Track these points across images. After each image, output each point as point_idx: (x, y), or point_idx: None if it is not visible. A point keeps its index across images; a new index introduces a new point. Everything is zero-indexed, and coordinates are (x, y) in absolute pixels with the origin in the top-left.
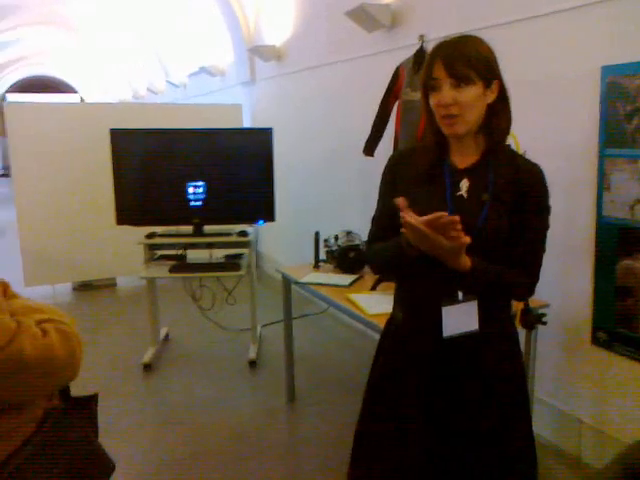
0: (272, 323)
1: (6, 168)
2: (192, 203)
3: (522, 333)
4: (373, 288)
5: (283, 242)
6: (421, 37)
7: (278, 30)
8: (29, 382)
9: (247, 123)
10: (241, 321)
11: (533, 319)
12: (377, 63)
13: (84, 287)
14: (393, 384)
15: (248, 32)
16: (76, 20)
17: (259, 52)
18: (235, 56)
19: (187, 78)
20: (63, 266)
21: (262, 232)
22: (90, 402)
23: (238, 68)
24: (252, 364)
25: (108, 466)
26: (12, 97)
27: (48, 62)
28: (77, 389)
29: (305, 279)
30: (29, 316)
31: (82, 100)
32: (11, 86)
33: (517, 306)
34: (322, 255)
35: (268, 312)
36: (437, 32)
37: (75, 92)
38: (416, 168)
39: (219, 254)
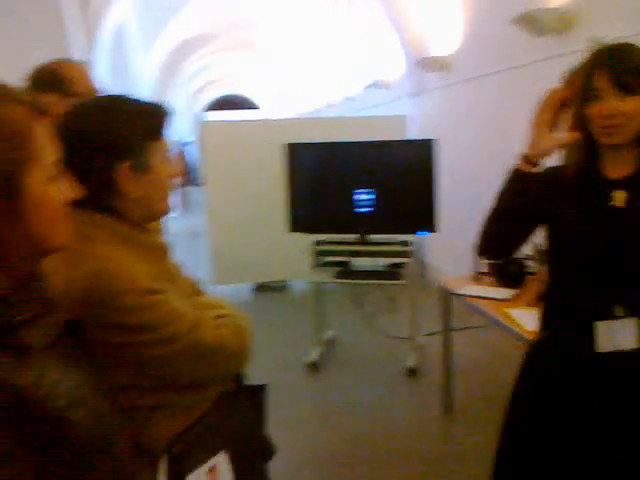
0: (432, 333)
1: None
2: (359, 213)
3: None
4: (533, 304)
5: (450, 253)
6: (593, 40)
7: (444, 41)
8: (205, 366)
9: (414, 134)
10: (402, 329)
11: None
12: (546, 70)
13: (262, 288)
14: (541, 404)
15: (415, 44)
16: (261, 43)
17: (427, 63)
18: (402, 68)
19: (358, 91)
20: (245, 268)
21: (429, 242)
22: (259, 391)
23: (405, 80)
24: (411, 372)
25: (269, 451)
26: (208, 115)
27: (236, 82)
28: (248, 379)
29: (463, 291)
30: (210, 311)
31: (270, 116)
32: (207, 105)
33: None
34: (483, 268)
35: (430, 322)
36: (613, 34)
37: (258, 108)
38: (565, 177)
39: (384, 262)
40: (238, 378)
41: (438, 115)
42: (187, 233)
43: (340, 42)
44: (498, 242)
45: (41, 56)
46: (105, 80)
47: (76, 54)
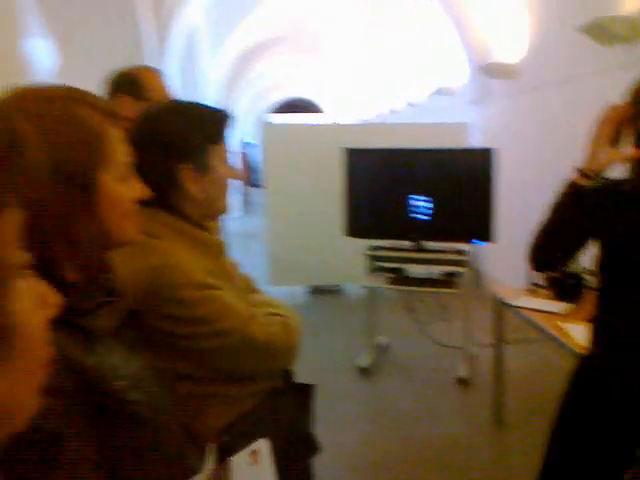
0: (485, 345)
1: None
2: (415, 219)
3: None
4: (589, 319)
5: (506, 263)
6: None
7: (510, 48)
8: (254, 361)
9: (476, 142)
10: (455, 338)
11: None
12: (613, 80)
13: (317, 291)
14: (589, 421)
15: (479, 50)
16: (326, 48)
17: (491, 69)
18: (466, 75)
19: (422, 97)
20: (301, 270)
21: (485, 251)
22: (307, 390)
23: (468, 87)
24: (461, 382)
25: (313, 448)
26: (272, 118)
27: (300, 86)
28: (298, 378)
29: (517, 302)
30: (262, 308)
31: (332, 120)
32: (272, 108)
33: None
34: (539, 280)
35: (483, 332)
36: None
37: (322, 112)
38: (623, 192)
39: (439, 270)
40: (287, 375)
41: (500, 123)
42: (247, 234)
43: (404, 47)
44: (548, 254)
45: (116, 59)
46: (175, 81)
47: (149, 57)
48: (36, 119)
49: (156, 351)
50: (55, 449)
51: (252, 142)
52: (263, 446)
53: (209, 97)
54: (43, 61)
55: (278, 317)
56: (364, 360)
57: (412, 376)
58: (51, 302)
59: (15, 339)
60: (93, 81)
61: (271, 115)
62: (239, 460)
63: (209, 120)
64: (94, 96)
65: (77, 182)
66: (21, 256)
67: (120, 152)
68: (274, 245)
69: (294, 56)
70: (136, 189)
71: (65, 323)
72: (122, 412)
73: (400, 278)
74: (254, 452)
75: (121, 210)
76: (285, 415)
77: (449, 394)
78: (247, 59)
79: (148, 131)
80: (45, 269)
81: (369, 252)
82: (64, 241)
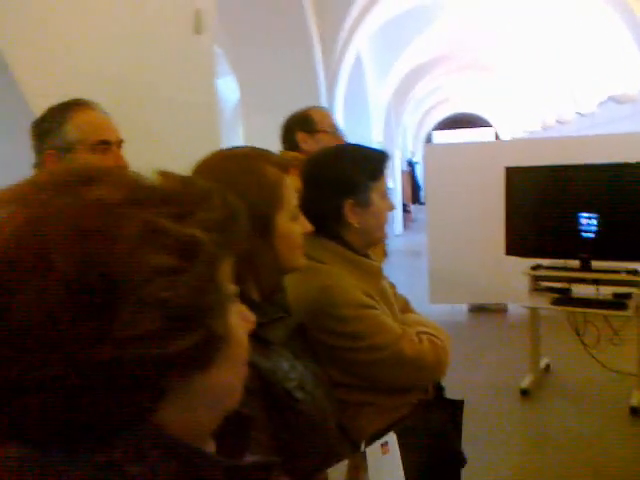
0: None
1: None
2: (581, 238)
3: None
4: None
5: None
6: None
7: None
8: (403, 375)
9: None
10: (626, 363)
11: None
12: None
13: (478, 309)
14: None
15: None
16: (492, 62)
17: None
18: None
19: (594, 107)
20: (461, 288)
21: None
22: (457, 405)
23: None
24: (634, 411)
25: (460, 461)
26: (436, 134)
27: (466, 101)
28: (453, 394)
29: None
30: (414, 327)
31: (496, 135)
32: (437, 124)
33: None
34: None
35: None
36: None
37: (490, 126)
38: None
39: (608, 291)
40: (439, 390)
41: None
42: (409, 251)
43: (572, 57)
44: None
45: (294, 92)
46: (342, 107)
47: (321, 84)
48: (223, 175)
49: (317, 360)
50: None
51: (416, 161)
52: (391, 439)
53: (375, 119)
54: (229, 97)
55: (428, 335)
56: (525, 381)
57: (577, 401)
58: (249, 319)
59: (231, 345)
60: (270, 112)
61: (435, 132)
62: (372, 450)
63: (370, 160)
64: (270, 152)
65: (259, 223)
66: (233, 288)
67: (292, 197)
68: (435, 263)
69: (458, 73)
70: (303, 225)
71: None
72: (290, 409)
73: (565, 298)
74: (384, 444)
75: (292, 243)
76: (435, 427)
77: (619, 423)
78: (411, 79)
79: (318, 171)
80: (240, 294)
81: (532, 272)
82: (250, 270)
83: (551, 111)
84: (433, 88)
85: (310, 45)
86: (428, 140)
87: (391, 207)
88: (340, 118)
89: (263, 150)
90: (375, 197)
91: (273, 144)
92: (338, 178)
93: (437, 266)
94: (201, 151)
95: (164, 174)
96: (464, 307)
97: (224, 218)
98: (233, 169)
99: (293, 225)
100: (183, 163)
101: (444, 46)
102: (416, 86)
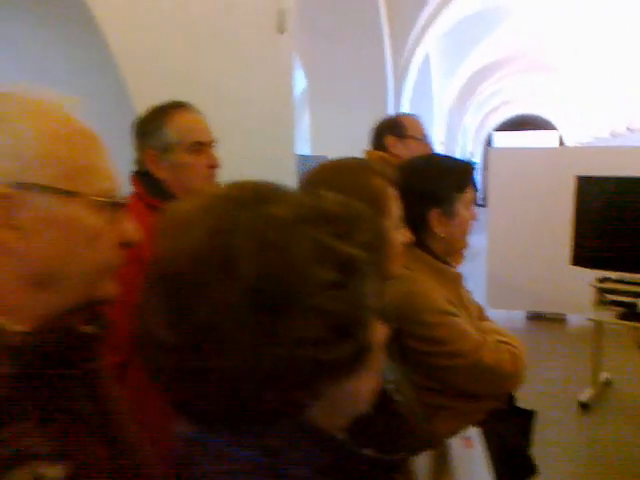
0: None
1: (484, 199)
2: None
3: None
4: None
5: None
6: None
7: None
8: (481, 382)
9: None
10: None
11: None
12: None
13: (536, 317)
14: None
15: None
16: (558, 63)
17: None
18: None
19: None
20: (521, 295)
21: None
22: (529, 415)
23: None
24: None
25: (530, 470)
26: (497, 135)
27: (529, 102)
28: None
29: None
30: (492, 336)
31: (561, 138)
32: (498, 125)
33: None
34: None
35: None
36: None
37: (554, 129)
38: None
39: None
40: (511, 399)
41: None
42: (468, 253)
43: None
44: None
45: (362, 87)
46: (408, 106)
47: (389, 82)
48: (332, 186)
49: (403, 363)
50: None
51: (476, 162)
52: (474, 433)
53: (439, 119)
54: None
55: (506, 345)
56: (585, 394)
57: (637, 417)
58: (383, 331)
59: (373, 355)
60: (337, 105)
61: (496, 133)
62: (455, 443)
63: (456, 171)
64: (375, 163)
65: None
66: (378, 302)
67: (396, 207)
68: (495, 267)
69: (522, 74)
70: (404, 235)
71: None
72: (388, 409)
73: (632, 313)
74: (467, 438)
75: (396, 252)
76: (508, 434)
77: None
78: (475, 81)
79: (407, 181)
80: None
81: (599, 284)
82: None
83: (621, 117)
84: (496, 89)
85: (381, 43)
86: (488, 141)
87: (475, 217)
88: None
89: (368, 161)
90: (460, 207)
91: (338, 136)
92: (425, 188)
93: (497, 271)
94: (276, 145)
95: (322, 195)
96: (522, 314)
97: (375, 238)
98: (341, 180)
99: (397, 234)
100: (258, 157)
101: (510, 47)
102: (479, 87)
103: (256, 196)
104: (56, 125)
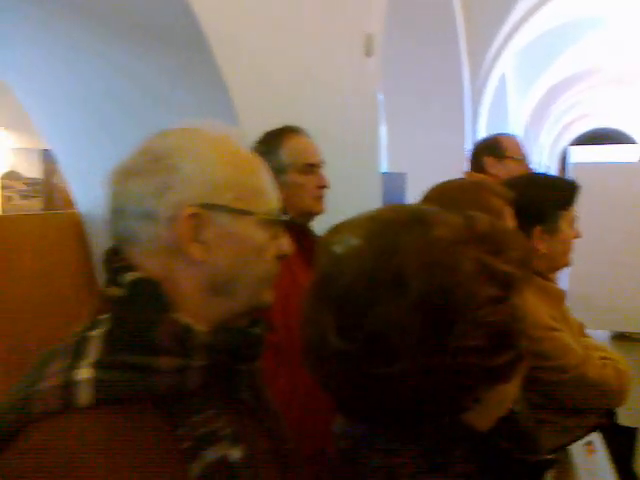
0: None
1: None
2: None
3: None
4: None
5: None
6: None
7: None
8: (586, 397)
9: None
10: None
11: None
12: None
13: (621, 337)
14: None
15: None
16: (636, 75)
17: None
18: None
19: None
20: (605, 314)
21: None
22: (632, 432)
23: None
24: None
25: None
26: (574, 150)
27: (607, 116)
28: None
29: None
30: (595, 352)
31: None
32: (574, 139)
33: None
34: None
35: None
36: None
37: (634, 143)
38: None
39: None
40: (613, 415)
41: None
42: None
43: None
44: None
45: (439, 104)
46: (484, 122)
47: (466, 99)
48: (452, 204)
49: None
50: None
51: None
52: (596, 439)
53: (515, 134)
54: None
55: (610, 361)
56: None
57: None
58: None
59: (523, 362)
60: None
61: (573, 148)
62: (576, 449)
63: (560, 189)
64: (493, 183)
65: None
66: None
67: (512, 225)
68: (577, 285)
69: (600, 87)
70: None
71: None
72: (511, 417)
73: None
74: (589, 443)
75: None
76: (612, 452)
77: None
78: (551, 96)
79: None
80: None
81: None
82: None
83: None
84: (572, 103)
85: (458, 59)
86: (563, 155)
87: (579, 235)
88: (482, 133)
89: (486, 182)
90: (564, 225)
91: (413, 152)
92: (528, 206)
93: (579, 289)
94: (363, 165)
95: (473, 215)
96: (606, 334)
97: (525, 256)
98: (461, 198)
99: None
100: (345, 176)
101: (588, 61)
102: (555, 102)
103: (415, 219)
104: (231, 153)
